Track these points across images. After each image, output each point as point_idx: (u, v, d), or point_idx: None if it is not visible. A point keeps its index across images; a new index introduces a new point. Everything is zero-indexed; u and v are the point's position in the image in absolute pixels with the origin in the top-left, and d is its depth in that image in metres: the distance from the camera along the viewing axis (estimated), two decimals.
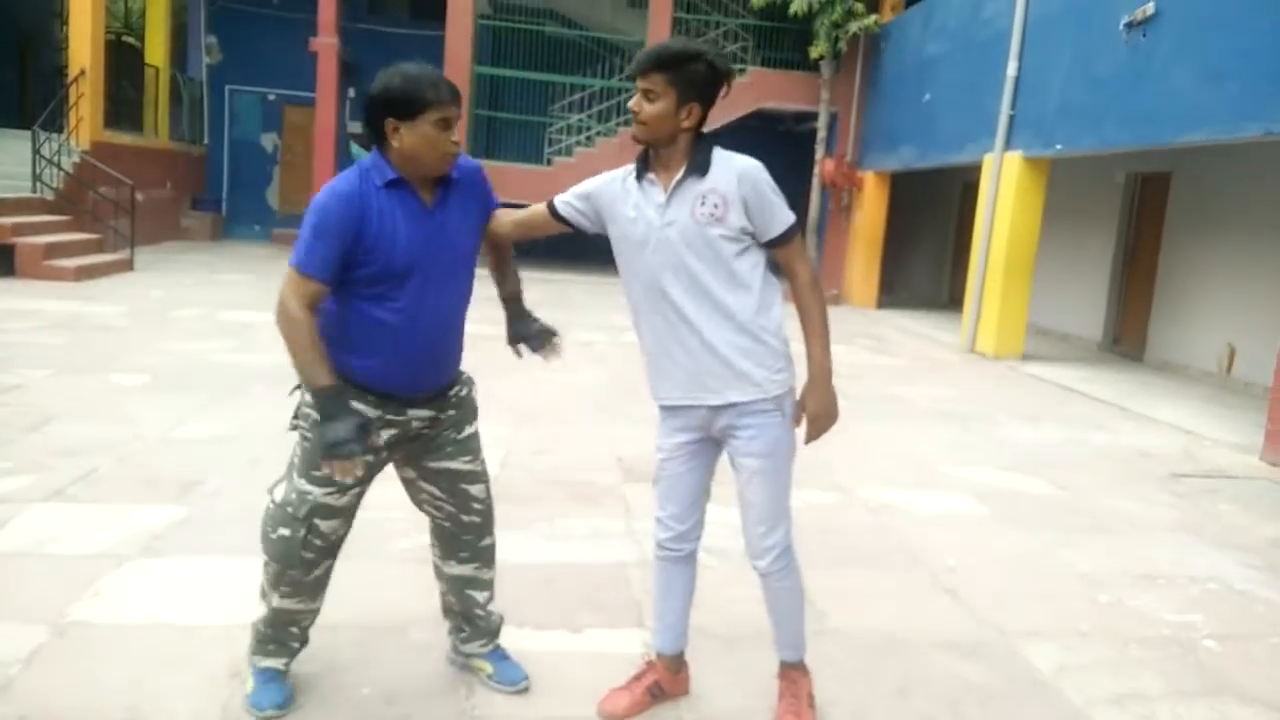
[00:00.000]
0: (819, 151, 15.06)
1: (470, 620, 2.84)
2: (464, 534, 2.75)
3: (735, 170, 2.44)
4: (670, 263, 2.45)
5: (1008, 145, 10.43)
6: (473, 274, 2.64)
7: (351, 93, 17.54)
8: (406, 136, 2.39)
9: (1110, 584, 4.01)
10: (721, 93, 2.49)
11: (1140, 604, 3.82)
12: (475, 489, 2.72)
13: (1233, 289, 9.82)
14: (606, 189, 2.57)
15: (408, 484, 2.75)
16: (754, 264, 2.48)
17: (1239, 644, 3.51)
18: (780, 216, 2.47)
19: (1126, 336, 11.62)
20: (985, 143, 10.81)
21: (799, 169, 15.03)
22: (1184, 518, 5.04)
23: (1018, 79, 10.28)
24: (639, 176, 2.50)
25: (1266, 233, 9.25)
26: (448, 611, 2.89)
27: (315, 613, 2.69)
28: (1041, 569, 4.16)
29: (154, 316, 9.10)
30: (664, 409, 2.62)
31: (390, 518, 3.78)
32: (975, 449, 6.26)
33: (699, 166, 2.43)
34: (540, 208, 2.69)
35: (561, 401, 6.76)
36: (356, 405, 2.45)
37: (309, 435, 2.50)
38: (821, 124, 15.03)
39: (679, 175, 2.44)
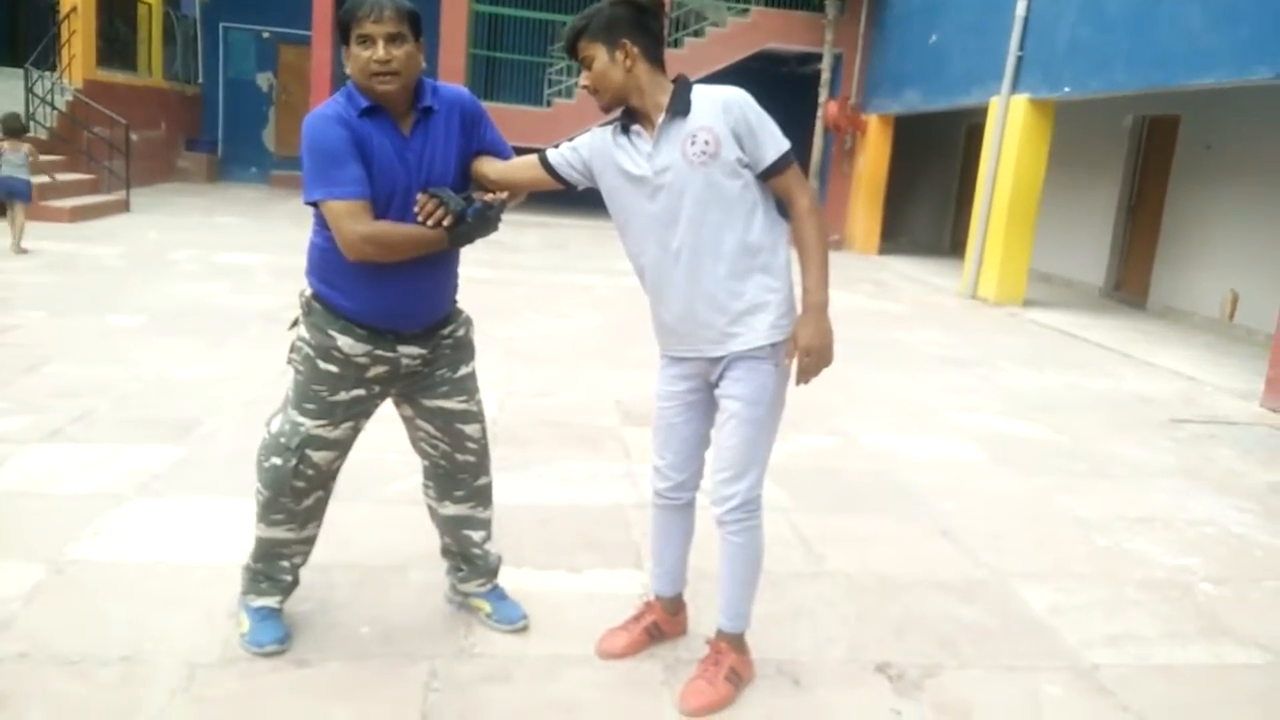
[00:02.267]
0: (822, 94, 14.85)
1: (468, 560, 2.84)
2: (459, 473, 2.74)
3: (719, 102, 2.34)
4: (667, 211, 2.37)
5: (1015, 88, 10.26)
6: None
7: None
8: (349, 63, 2.38)
9: (1108, 527, 4.02)
10: (655, 20, 2.40)
11: (1137, 547, 3.83)
12: (470, 428, 2.70)
13: (1237, 235, 9.74)
14: (596, 142, 2.48)
15: (407, 422, 2.74)
16: (755, 202, 2.38)
17: (1235, 587, 3.53)
18: (773, 143, 2.37)
19: (1129, 282, 11.56)
20: (992, 85, 10.64)
21: (802, 112, 14.83)
22: (1182, 463, 5.05)
23: (1026, 19, 10.09)
24: (625, 130, 2.42)
25: (1272, 179, 9.15)
26: (445, 552, 2.89)
27: (306, 546, 2.69)
28: (1039, 513, 4.17)
29: (150, 258, 9.04)
30: (666, 357, 2.59)
31: (386, 459, 3.78)
32: (975, 394, 6.25)
33: (681, 108, 2.34)
34: (531, 159, 2.58)
35: (560, 344, 6.74)
36: (342, 339, 2.45)
37: (302, 369, 2.50)
38: (825, 66, 14.80)
39: (661, 119, 2.36)
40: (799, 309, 2.45)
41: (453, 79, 14.17)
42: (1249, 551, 3.89)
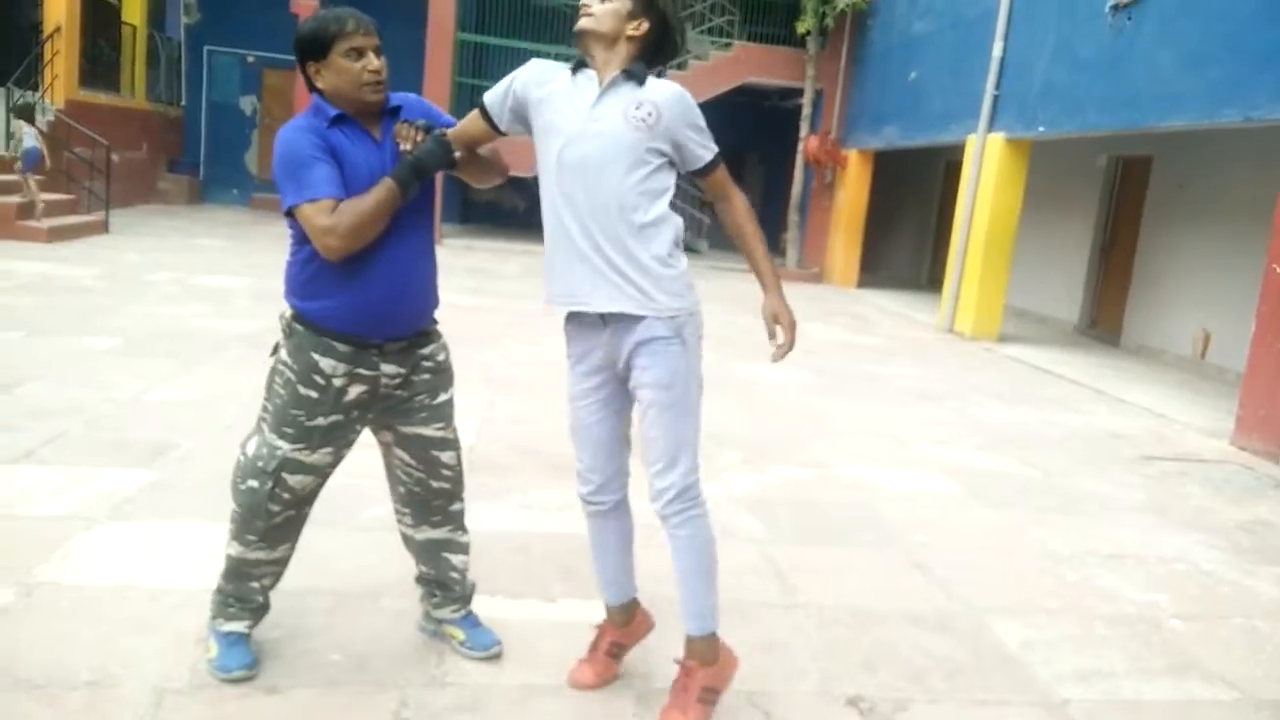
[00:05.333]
0: (803, 128, 15.03)
1: (444, 585, 2.83)
2: (434, 499, 2.74)
3: (674, 92, 2.40)
4: (589, 161, 2.37)
5: (991, 126, 10.44)
6: (432, 205, 2.64)
7: None
8: (326, 75, 2.45)
9: (1078, 562, 4.05)
10: (670, 38, 2.47)
11: (1107, 583, 3.86)
12: (445, 455, 2.70)
13: (1209, 275, 9.90)
14: (535, 73, 2.48)
15: (384, 449, 2.74)
16: (664, 188, 2.42)
17: (1204, 624, 3.56)
18: (708, 144, 2.45)
19: (1103, 320, 11.71)
20: (969, 123, 10.81)
21: (783, 146, 15.01)
22: (1153, 499, 5.10)
23: (1003, 60, 10.28)
24: (575, 69, 2.44)
25: (1243, 219, 9.32)
26: (420, 579, 2.88)
27: (276, 567, 2.67)
28: (1012, 547, 4.20)
29: (128, 280, 9.00)
30: (568, 338, 2.54)
31: (362, 484, 3.76)
32: (950, 428, 6.31)
33: (637, 77, 2.39)
34: (474, 113, 2.57)
35: (538, 372, 6.74)
36: (324, 360, 2.47)
37: (282, 393, 2.51)
38: (806, 100, 14.99)
39: (613, 76, 2.39)
40: (695, 293, 2.49)
41: (437, 107, 14.24)
42: (1217, 588, 3.93)
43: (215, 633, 2.63)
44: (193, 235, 12.92)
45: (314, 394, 2.49)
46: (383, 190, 2.41)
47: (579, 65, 2.44)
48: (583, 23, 2.41)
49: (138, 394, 5.23)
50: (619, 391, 2.53)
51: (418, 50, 14.86)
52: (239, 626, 2.63)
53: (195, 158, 18.14)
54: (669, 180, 2.44)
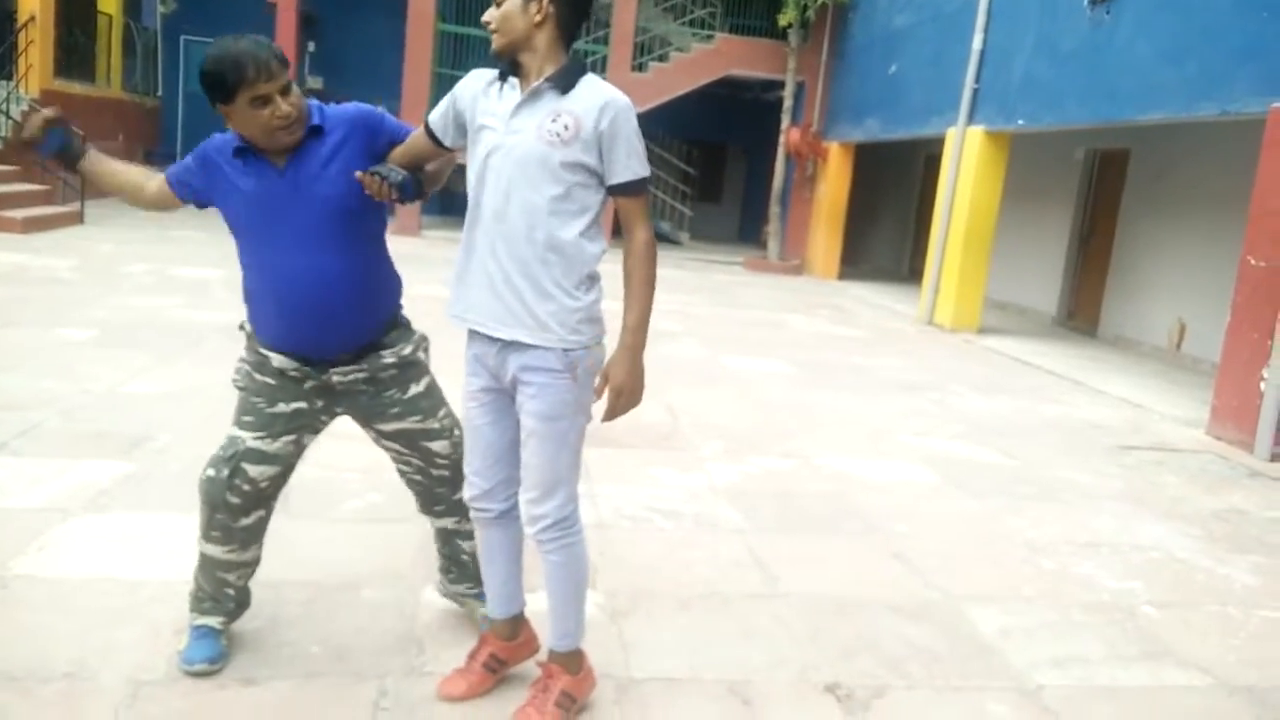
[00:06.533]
0: (785, 121, 15.05)
1: (458, 564, 2.87)
2: (436, 488, 2.74)
3: (600, 99, 2.22)
4: (502, 176, 2.25)
5: (971, 119, 10.48)
6: (352, 231, 2.49)
7: (311, 46, 17.19)
8: (235, 118, 2.37)
9: (1055, 551, 4.09)
10: (580, 7, 2.28)
11: (1083, 570, 3.90)
12: (437, 445, 2.67)
13: (1185, 267, 9.99)
14: (469, 87, 2.36)
15: (376, 444, 2.74)
16: (586, 209, 2.27)
17: (1178, 611, 3.60)
18: (632, 163, 2.25)
19: (1081, 311, 11.80)
20: (949, 116, 10.85)
21: (764, 138, 15.03)
22: (1129, 488, 5.15)
23: (983, 53, 10.32)
24: (502, 77, 2.30)
25: (1219, 212, 9.40)
26: (438, 553, 2.91)
27: (248, 569, 2.66)
28: (989, 536, 4.23)
29: (104, 271, 8.91)
30: (468, 337, 2.43)
31: (340, 477, 3.76)
32: (930, 419, 6.34)
33: (562, 83, 2.23)
34: (419, 132, 2.48)
35: None
36: (274, 356, 2.52)
37: (243, 385, 2.56)
38: (788, 93, 15.01)
39: (537, 84, 2.24)
40: (604, 331, 2.37)
41: (418, 97, 14.19)
42: (1192, 576, 3.97)
43: (190, 626, 2.62)
44: (169, 226, 12.80)
45: (271, 379, 2.53)
46: (124, 178, 2.73)
47: (504, 74, 2.31)
48: (495, 44, 2.27)
49: (114, 386, 5.19)
50: (508, 401, 2.41)
51: (398, 41, 14.78)
52: (211, 621, 2.62)
53: (172, 148, 17.94)
54: (590, 200, 2.28)
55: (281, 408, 2.51)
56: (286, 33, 14.74)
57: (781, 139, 15.08)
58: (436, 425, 2.67)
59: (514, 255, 2.26)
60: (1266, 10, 6.51)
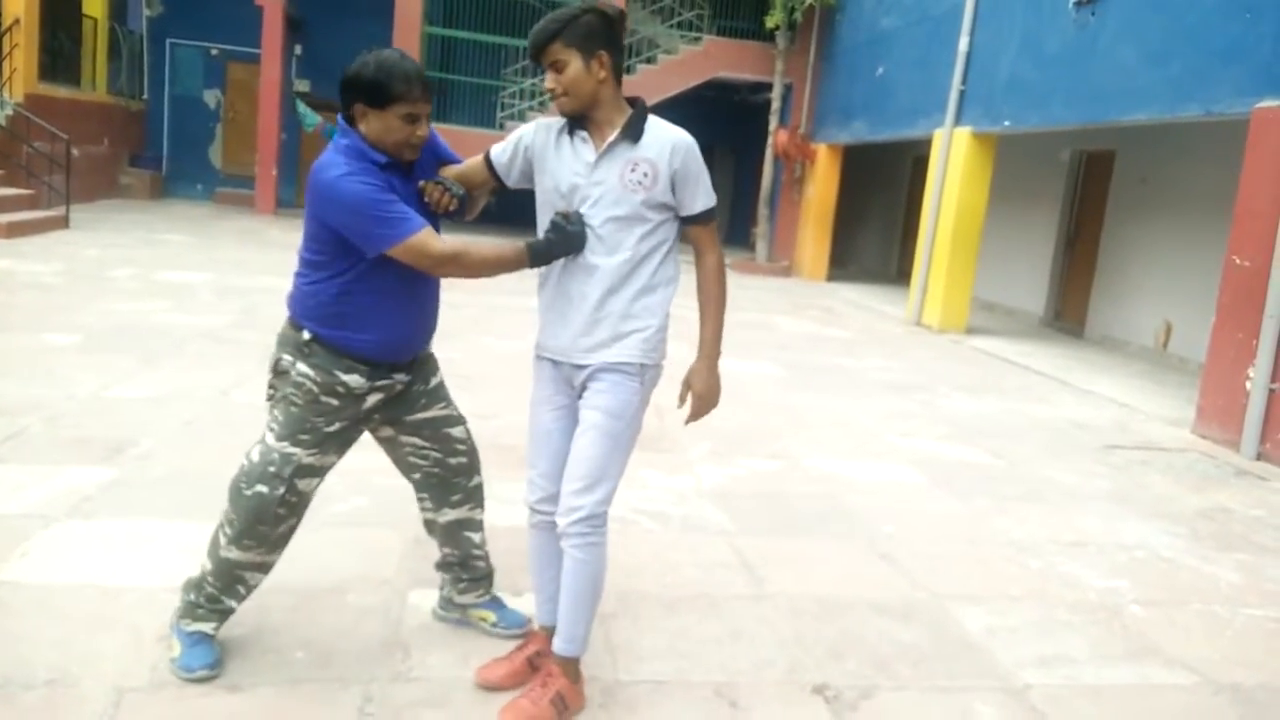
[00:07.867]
0: (773, 123, 15.07)
1: (468, 565, 2.90)
2: (454, 476, 2.82)
3: (669, 141, 2.43)
4: (591, 221, 2.44)
5: (958, 121, 10.52)
6: None
7: (298, 49, 17.15)
8: (373, 123, 2.46)
9: (1041, 550, 4.10)
10: (621, 36, 2.47)
11: (1069, 570, 3.91)
12: (456, 430, 2.80)
13: (1170, 267, 10.04)
14: (538, 136, 2.53)
15: (386, 444, 2.80)
16: (663, 242, 2.49)
17: (1163, 610, 3.61)
18: (703, 196, 2.49)
19: (1068, 312, 11.85)
20: (936, 118, 10.89)
21: (752, 140, 15.06)
22: (1115, 488, 5.17)
23: (969, 55, 10.36)
24: (570, 132, 2.47)
25: (1204, 212, 9.46)
26: (444, 565, 2.94)
27: (264, 572, 2.68)
28: (976, 536, 4.24)
29: (89, 276, 8.86)
30: (539, 359, 2.60)
31: (327, 482, 3.72)
32: (917, 419, 6.35)
33: (633, 133, 2.42)
34: (478, 159, 2.65)
35: (504, 367, 6.72)
36: (346, 377, 2.52)
37: (299, 402, 2.53)
38: (776, 95, 15.04)
39: (612, 137, 2.42)
40: (667, 344, 2.56)
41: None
42: (1177, 574, 3.99)
43: (180, 632, 2.61)
44: (155, 230, 12.74)
45: (335, 402, 2.55)
46: (513, 253, 2.47)
47: (573, 125, 2.46)
48: (562, 105, 2.41)
49: (98, 391, 5.16)
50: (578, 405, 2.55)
51: (385, 44, 14.72)
52: (205, 627, 2.61)
53: (158, 152, 17.88)
54: (669, 232, 2.50)
55: (337, 426, 2.57)
56: (272, 36, 14.72)
57: (769, 141, 15.11)
58: (455, 412, 2.82)
59: (607, 287, 2.44)
60: (1250, 12, 6.55)
